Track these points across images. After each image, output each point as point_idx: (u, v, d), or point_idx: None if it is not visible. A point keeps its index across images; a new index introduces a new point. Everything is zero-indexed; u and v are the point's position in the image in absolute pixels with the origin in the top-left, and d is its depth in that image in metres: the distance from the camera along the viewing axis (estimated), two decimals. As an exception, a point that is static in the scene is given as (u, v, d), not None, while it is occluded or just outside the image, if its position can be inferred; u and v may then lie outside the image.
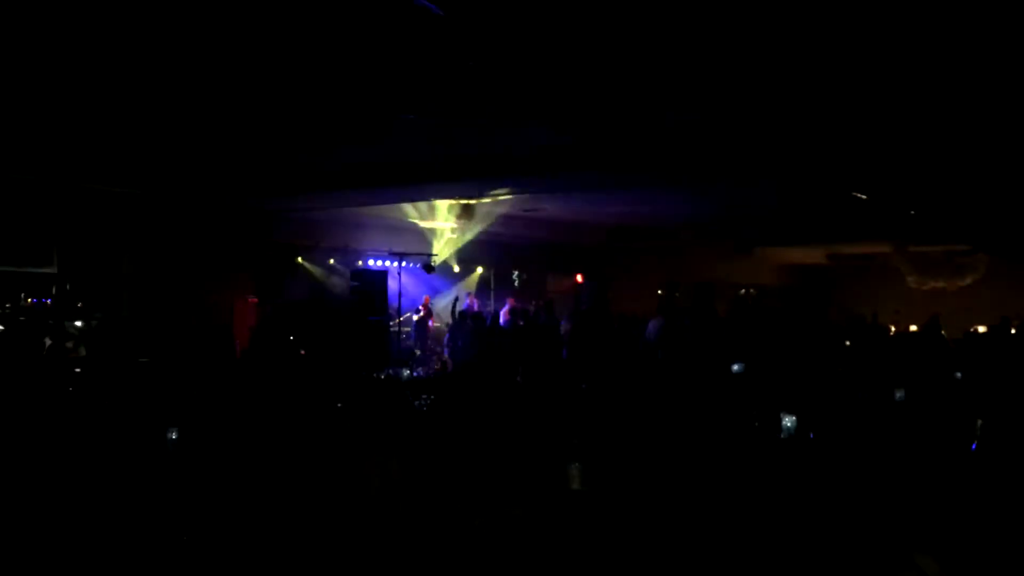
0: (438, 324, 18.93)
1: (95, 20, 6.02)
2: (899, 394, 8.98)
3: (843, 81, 7.38)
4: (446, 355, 16.45)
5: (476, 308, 18.49)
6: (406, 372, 11.61)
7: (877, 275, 22.87)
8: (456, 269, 20.30)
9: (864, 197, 12.76)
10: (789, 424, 7.33)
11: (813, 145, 9.61)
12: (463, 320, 16.20)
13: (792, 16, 5.78)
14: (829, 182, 11.73)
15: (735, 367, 12.22)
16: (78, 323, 14.31)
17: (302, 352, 13.68)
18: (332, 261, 17.45)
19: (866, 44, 6.35)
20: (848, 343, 15.74)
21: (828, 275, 24.81)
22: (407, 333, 18.67)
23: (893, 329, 19.46)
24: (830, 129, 8.96)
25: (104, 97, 8.10)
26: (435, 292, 19.74)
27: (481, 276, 21.35)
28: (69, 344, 12.82)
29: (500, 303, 20.13)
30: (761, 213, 15.75)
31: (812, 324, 17.25)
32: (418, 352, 17.60)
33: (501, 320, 17.00)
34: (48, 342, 11.86)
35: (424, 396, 9.07)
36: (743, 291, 25.15)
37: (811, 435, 7.51)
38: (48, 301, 14.18)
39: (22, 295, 15.17)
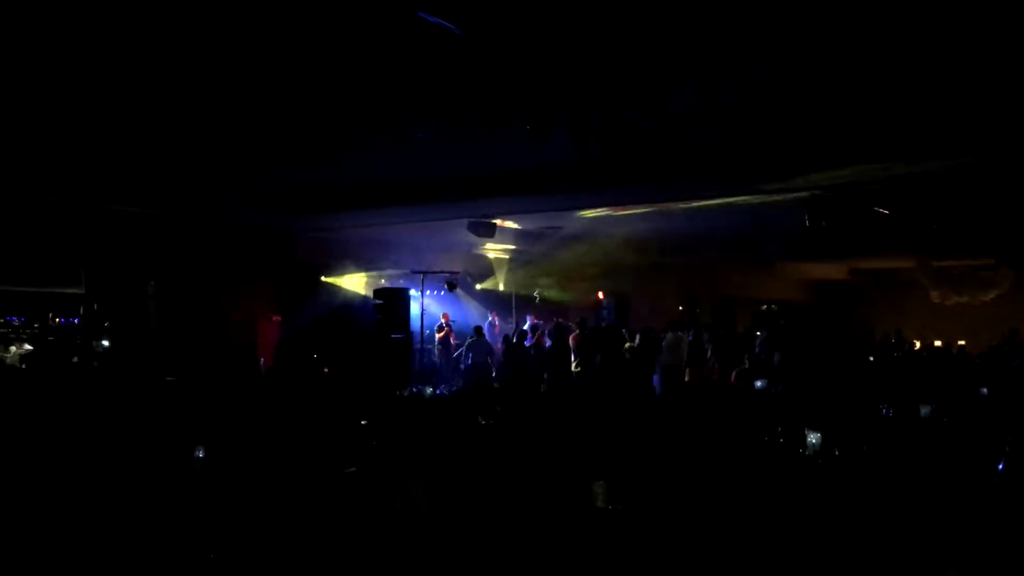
0: (458, 341, 19.00)
1: (118, 46, 6.14)
2: (925, 410, 8.91)
3: (862, 95, 7.39)
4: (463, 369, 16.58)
5: (498, 326, 18.56)
6: (429, 390, 11.63)
7: (900, 290, 22.74)
8: (478, 287, 20.40)
9: (886, 212, 12.72)
10: (814, 440, 7.30)
11: (833, 159, 9.61)
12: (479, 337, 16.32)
13: (817, 22, 5.81)
14: (851, 197, 11.69)
15: (758, 383, 12.19)
16: (105, 342, 14.50)
17: (325, 370, 13.76)
18: (355, 279, 17.57)
19: (886, 50, 6.37)
20: (872, 358, 15.66)
21: (850, 290, 24.68)
22: (429, 350, 18.76)
23: (917, 344, 19.36)
24: (849, 142, 8.96)
25: (130, 120, 8.23)
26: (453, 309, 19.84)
27: (503, 293, 21.42)
28: (96, 363, 12.98)
29: (522, 320, 20.19)
30: (783, 228, 15.70)
31: (836, 339, 17.18)
32: (439, 369, 17.68)
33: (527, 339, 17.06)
34: (76, 360, 12.01)
35: (448, 413, 9.09)
36: (764, 307, 25.09)
37: (836, 451, 7.47)
38: (76, 320, 14.38)
39: (50, 315, 15.40)
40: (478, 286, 20.49)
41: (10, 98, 7.41)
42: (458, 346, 18.47)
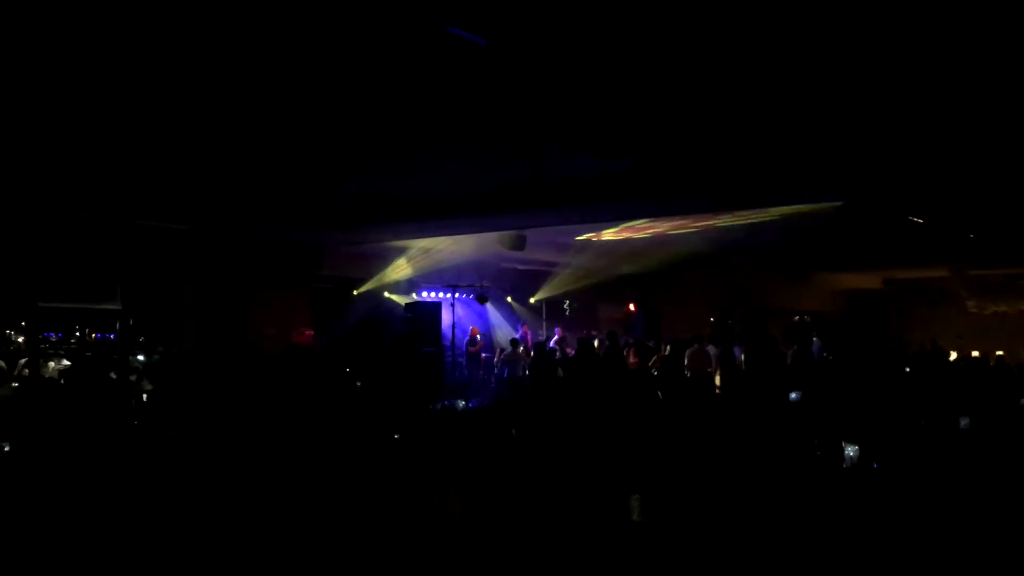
0: (489, 354, 19.02)
1: (156, 67, 6.23)
2: (964, 422, 8.79)
3: (900, 106, 7.32)
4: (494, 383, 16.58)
5: (529, 338, 18.55)
6: (461, 403, 11.65)
7: (935, 300, 22.46)
8: (508, 299, 20.43)
9: (921, 221, 12.58)
10: (852, 453, 7.22)
11: (872, 169, 9.52)
12: (515, 349, 16.31)
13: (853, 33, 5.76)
14: (886, 206, 11.58)
15: (792, 395, 12.09)
16: (140, 357, 14.68)
17: (358, 384, 13.82)
18: (386, 293, 17.65)
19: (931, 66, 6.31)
20: (908, 369, 15.46)
21: (885, 300, 24.41)
22: (460, 364, 18.79)
23: (954, 355, 19.09)
24: (889, 153, 8.87)
25: (166, 139, 8.34)
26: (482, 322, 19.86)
27: (533, 305, 21.43)
28: (133, 378, 13.12)
29: (551, 332, 20.19)
30: (817, 238, 15.59)
31: (871, 350, 16.99)
32: (470, 382, 17.69)
33: (550, 348, 17.04)
34: (113, 376, 12.14)
35: (480, 427, 9.10)
36: (797, 317, 24.88)
37: (874, 464, 7.38)
38: (112, 336, 14.56)
39: (87, 330, 15.62)
40: (508, 298, 20.51)
41: (48, 118, 7.54)
42: (489, 359, 18.49)
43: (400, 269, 17.20)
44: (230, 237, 13.83)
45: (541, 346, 15.67)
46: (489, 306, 19.44)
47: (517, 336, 18.01)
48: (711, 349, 15.63)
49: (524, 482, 7.01)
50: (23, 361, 13.14)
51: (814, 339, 18.45)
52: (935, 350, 18.38)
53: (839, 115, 7.60)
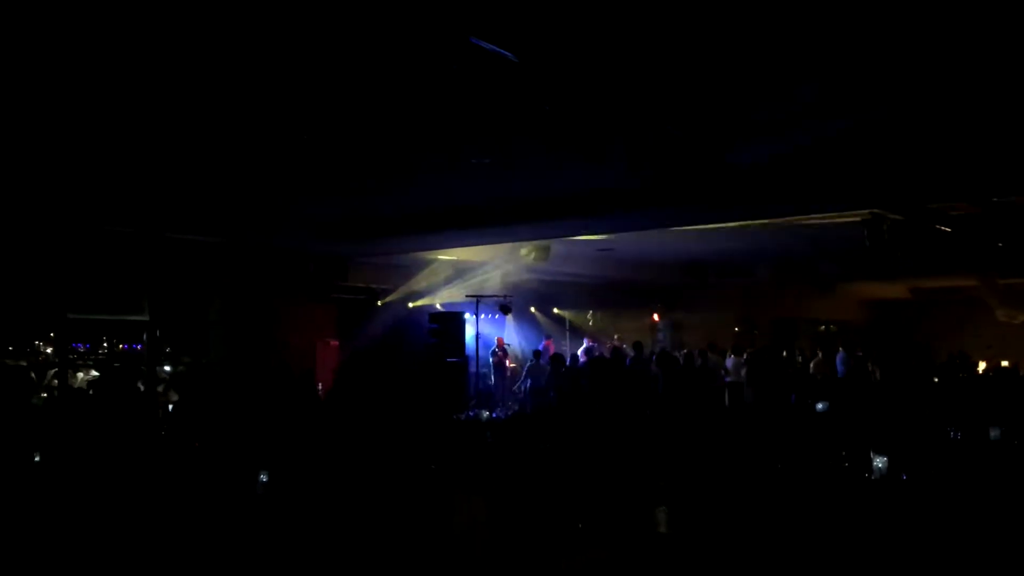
0: (514, 365, 19.01)
1: (180, 83, 6.31)
2: (994, 433, 8.68)
3: (920, 110, 7.27)
4: (520, 395, 16.56)
5: (552, 349, 18.54)
6: (486, 414, 11.66)
7: (963, 309, 22.21)
8: (532, 310, 20.42)
9: (948, 230, 12.46)
10: (880, 464, 7.15)
11: (894, 179, 9.46)
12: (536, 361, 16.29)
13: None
14: (912, 215, 11.48)
15: (819, 406, 12.01)
16: (167, 368, 14.81)
17: (382, 394, 13.85)
18: (410, 304, 17.70)
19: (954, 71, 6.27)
20: (937, 379, 15.32)
21: (912, 310, 24.17)
22: (485, 374, 18.79)
23: (983, 365, 18.89)
24: (913, 161, 8.81)
25: (193, 152, 8.43)
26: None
27: (557, 316, 21.41)
28: (160, 389, 13.24)
29: (576, 344, 20.16)
30: (842, 248, 15.48)
31: (899, 360, 16.84)
32: (495, 393, 17.69)
33: (580, 360, 17.02)
34: (141, 387, 12.25)
35: (506, 437, 9.10)
36: (823, 327, 24.72)
37: (904, 476, 7.30)
38: (139, 347, 14.70)
39: (114, 340, 15.77)
40: (532, 309, 20.50)
41: (80, 133, 7.64)
42: (514, 370, 18.48)
43: (425, 279, 17.26)
44: (256, 249, 13.95)
45: (558, 358, 15.65)
46: (511, 317, 19.44)
47: (540, 347, 18.00)
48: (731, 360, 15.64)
49: (550, 491, 6.99)
50: (52, 372, 13.30)
51: (840, 349, 18.35)
52: (961, 359, 18.19)
53: (865, 126, 7.56)
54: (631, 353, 16.33)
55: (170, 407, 12.23)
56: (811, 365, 18.69)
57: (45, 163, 8.69)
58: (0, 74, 6.03)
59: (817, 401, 12.24)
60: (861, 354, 18.04)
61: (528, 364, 16.87)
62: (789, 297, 21.45)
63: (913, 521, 6.42)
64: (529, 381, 16.26)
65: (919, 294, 23.37)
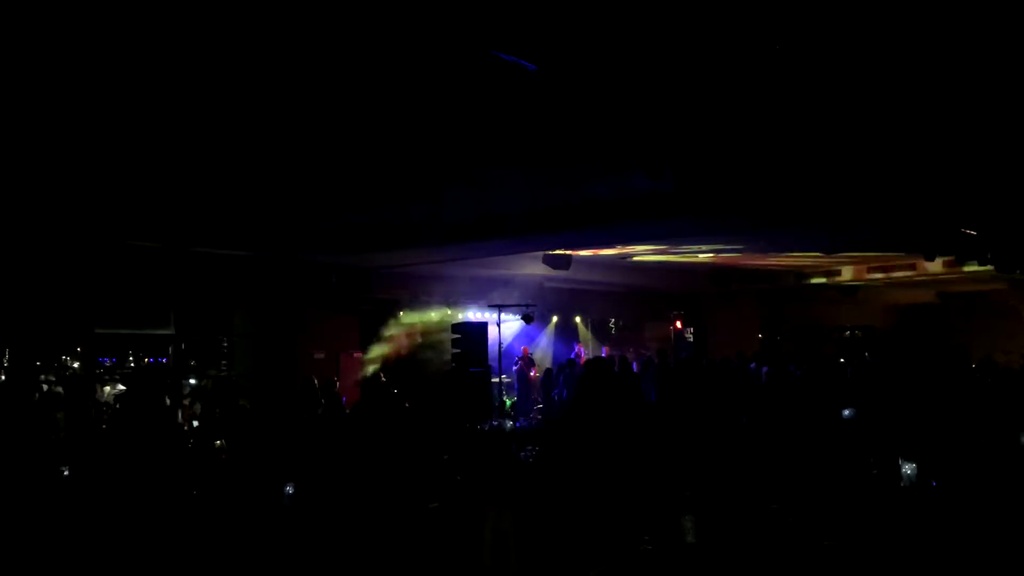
0: (538, 374, 18.96)
1: (208, 101, 6.37)
2: (1024, 438, 8.58)
3: (950, 119, 7.22)
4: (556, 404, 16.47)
5: (583, 357, 18.49)
6: (510, 423, 11.63)
7: (991, 313, 21.93)
8: (555, 319, 20.38)
9: (974, 233, 12.34)
10: (909, 472, 7.07)
11: (921, 185, 9.38)
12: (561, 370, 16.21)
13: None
14: (938, 219, 11.39)
15: (845, 412, 11.87)
16: (192, 381, 14.89)
17: (406, 405, 13.85)
18: (433, 315, 17.71)
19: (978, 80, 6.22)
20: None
21: (939, 314, 23.88)
22: (509, 384, 18.75)
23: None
24: (938, 168, 8.74)
25: (219, 168, 8.50)
26: (531, 341, 19.81)
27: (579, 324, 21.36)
28: (186, 402, 13.31)
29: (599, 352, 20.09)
30: (866, 250, 15.38)
31: (927, 365, 16.63)
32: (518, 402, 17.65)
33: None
34: (168, 401, 12.31)
35: (530, 447, 9.08)
36: (848, 332, 24.51)
37: (933, 483, 7.22)
38: (164, 360, 14.80)
39: (140, 354, 15.88)
40: (554, 318, 20.47)
41: (109, 149, 7.73)
42: (538, 379, 18.42)
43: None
44: (280, 262, 14.01)
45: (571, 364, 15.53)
46: (533, 326, 19.39)
47: (572, 356, 17.95)
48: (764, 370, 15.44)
49: (576, 501, 6.97)
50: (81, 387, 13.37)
51: (865, 355, 18.13)
52: (988, 364, 17.93)
53: (886, 130, 7.52)
54: (655, 360, 16.21)
55: (194, 421, 12.29)
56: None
57: (72, 179, 8.79)
58: (30, 92, 6.11)
59: (843, 408, 12.10)
60: (869, 358, 17.78)
61: (562, 373, 16.74)
62: (813, 302, 21.31)
63: (943, 528, 6.35)
64: (565, 391, 16.11)
65: (946, 298, 23.13)
